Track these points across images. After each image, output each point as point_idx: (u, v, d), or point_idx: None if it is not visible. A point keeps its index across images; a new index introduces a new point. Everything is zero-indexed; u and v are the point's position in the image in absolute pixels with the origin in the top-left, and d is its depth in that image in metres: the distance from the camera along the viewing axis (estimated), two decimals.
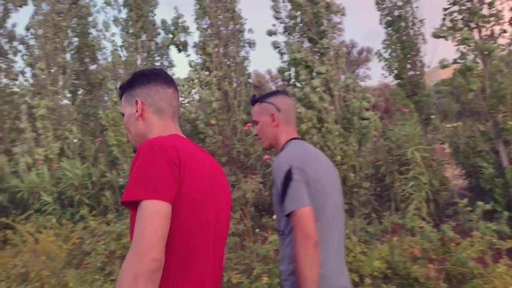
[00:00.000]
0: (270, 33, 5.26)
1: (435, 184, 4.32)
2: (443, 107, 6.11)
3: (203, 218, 1.10)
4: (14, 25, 7.95)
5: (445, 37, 4.61)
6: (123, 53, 6.90)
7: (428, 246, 3.09)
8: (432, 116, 5.54)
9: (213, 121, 5.42)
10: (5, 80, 7.30)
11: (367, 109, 4.52)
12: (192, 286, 1.07)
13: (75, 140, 6.63)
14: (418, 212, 3.73)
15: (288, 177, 1.46)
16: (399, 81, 6.17)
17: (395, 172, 4.53)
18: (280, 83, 14.53)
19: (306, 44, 5.34)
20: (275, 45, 5.47)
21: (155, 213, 0.96)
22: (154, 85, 1.26)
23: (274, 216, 3.95)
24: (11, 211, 5.51)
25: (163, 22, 7.31)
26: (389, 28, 6.20)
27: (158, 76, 1.29)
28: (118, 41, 6.85)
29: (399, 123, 4.97)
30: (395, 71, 6.18)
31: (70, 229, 4.61)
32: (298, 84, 5.18)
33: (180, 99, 5.85)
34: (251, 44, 6.79)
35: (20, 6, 8.06)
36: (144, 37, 7.20)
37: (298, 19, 5.25)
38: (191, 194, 1.06)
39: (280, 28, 5.44)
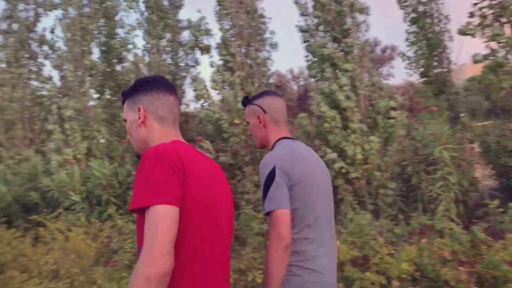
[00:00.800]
0: (302, 30, 5.24)
1: (464, 184, 4.21)
2: (472, 105, 5.93)
3: (206, 219, 1.14)
4: (44, 29, 8.19)
5: (472, 34, 4.48)
6: (146, 55, 7.05)
7: (458, 248, 3.01)
8: (461, 115, 5.39)
9: (237, 121, 5.45)
10: (35, 83, 7.56)
11: (394, 109, 4.44)
12: (202, 285, 1.12)
13: (103, 141, 6.80)
14: (447, 213, 3.64)
15: (270, 177, 1.50)
16: (425, 79, 6.04)
17: (422, 172, 4.43)
18: (302, 82, 14.43)
19: (330, 44, 5.30)
20: (305, 39, 5.43)
21: (164, 217, 1.01)
22: (156, 93, 1.31)
23: None
24: (42, 209, 5.70)
25: (189, 23, 7.43)
26: (414, 25, 6.07)
27: (160, 84, 1.33)
28: (141, 43, 6.97)
29: (425, 122, 4.86)
30: (421, 69, 6.05)
31: (99, 228, 4.73)
32: (323, 83, 5.14)
33: (202, 100, 5.93)
34: (273, 45, 6.80)
35: (50, 11, 8.32)
36: (167, 38, 7.33)
37: (320, 19, 5.22)
38: (194, 196, 1.10)
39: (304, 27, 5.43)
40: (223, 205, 1.24)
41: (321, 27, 5.27)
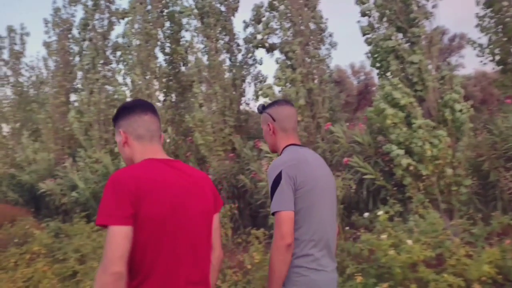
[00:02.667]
0: (365, 31, 5.07)
1: None
2: None
3: (163, 233, 1.30)
4: (117, 36, 8.77)
5: None
6: (205, 58, 7.29)
7: None
8: None
9: (299, 118, 5.45)
10: (110, 87, 8.14)
11: (458, 101, 4.15)
12: (168, 282, 1.30)
13: (168, 140, 7.16)
14: None
15: (277, 181, 1.63)
16: (502, 67, 5.56)
17: (501, 169, 4.10)
18: (363, 77, 14.00)
19: (394, 35, 5.08)
20: (365, 31, 5.25)
21: (113, 236, 1.21)
22: (133, 116, 1.49)
23: (365, 214, 3.86)
24: None
25: (246, 23, 7.56)
26: (489, 9, 5.61)
27: (136, 107, 1.52)
28: (200, 46, 7.22)
29: (503, 114, 4.49)
30: (497, 57, 5.58)
31: None
32: (388, 75, 4.95)
33: (266, 98, 5.99)
34: (333, 44, 6.70)
35: (123, 18, 8.90)
36: (225, 40, 7.53)
37: (384, 8, 5.01)
38: (148, 214, 1.27)
39: (365, 21, 5.25)
40: (196, 217, 1.40)
41: (384, 18, 5.07)
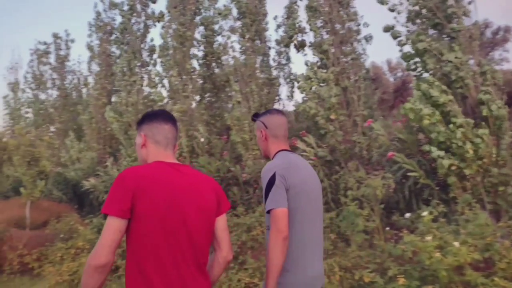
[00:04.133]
0: (387, 29, 4.95)
1: None
2: None
3: (163, 224, 1.48)
4: (152, 40, 9.05)
5: None
6: (242, 57, 7.34)
7: None
8: None
9: (333, 116, 5.37)
10: (147, 89, 8.38)
11: (492, 99, 3.94)
12: (159, 270, 1.47)
13: (202, 139, 7.27)
14: None
15: (271, 182, 1.78)
16: None
17: None
18: (400, 73, 13.61)
19: (431, 32, 4.90)
20: (394, 36, 5.14)
21: (108, 226, 1.43)
22: (155, 123, 1.71)
23: (407, 215, 3.75)
24: None
25: (278, 23, 7.56)
26: None
27: (159, 116, 1.74)
28: (237, 46, 7.30)
29: None
30: None
31: None
32: (425, 74, 4.79)
33: (302, 95, 5.96)
34: (368, 38, 6.55)
35: (158, 21, 9.15)
36: (259, 40, 7.55)
37: (420, 5, 4.84)
38: (144, 208, 1.46)
39: (400, 18, 5.10)
40: (194, 211, 1.57)
41: (421, 15, 4.90)
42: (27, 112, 12.74)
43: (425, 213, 3.37)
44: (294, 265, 1.77)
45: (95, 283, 1.41)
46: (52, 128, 11.51)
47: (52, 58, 11.98)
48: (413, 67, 4.92)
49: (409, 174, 4.09)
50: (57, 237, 6.41)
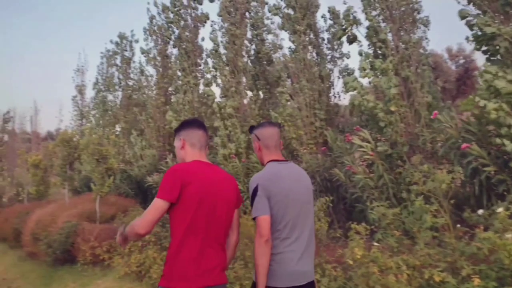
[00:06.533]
0: (463, 15, 4.61)
1: None
2: None
3: (199, 208, 1.90)
4: (203, 39, 9.32)
5: None
6: (292, 53, 7.29)
7: None
8: None
9: (393, 108, 5.15)
10: (201, 87, 8.64)
11: None
12: (196, 237, 1.90)
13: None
14: None
15: (254, 192, 2.05)
16: None
17: None
18: (462, 60, 12.73)
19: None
20: (463, 15, 4.79)
21: (153, 205, 1.86)
22: (191, 129, 2.14)
23: (480, 211, 3.50)
24: None
25: (333, 12, 7.37)
26: None
27: (194, 123, 2.18)
28: (287, 44, 7.26)
29: None
30: None
31: None
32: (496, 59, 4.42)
33: (355, 91, 5.78)
34: (426, 23, 6.18)
35: (205, 22, 9.41)
36: (311, 34, 7.43)
37: None
38: (189, 195, 1.88)
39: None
40: (220, 200, 1.98)
41: None
42: (94, 113, 13.62)
43: (500, 209, 3.12)
44: (280, 261, 2.02)
45: (132, 239, 2.08)
46: (117, 128, 12.19)
47: (118, 60, 12.58)
48: (484, 48, 4.55)
49: (484, 168, 3.81)
50: None
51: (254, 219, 2.04)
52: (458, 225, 3.53)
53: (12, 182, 19.84)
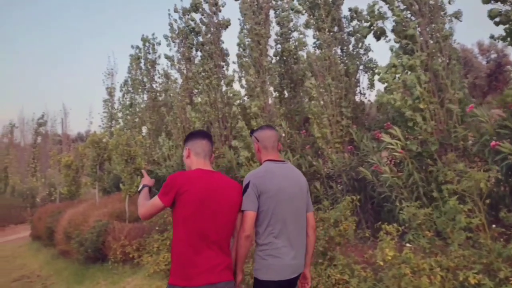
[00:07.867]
0: (494, 14, 4.45)
1: None
2: None
3: (198, 213, 2.06)
4: (223, 42, 9.40)
5: None
6: (317, 50, 7.21)
7: None
8: None
9: (422, 106, 5.01)
10: (224, 87, 8.68)
11: None
12: (194, 240, 2.06)
13: (283, 134, 7.29)
14: None
15: (245, 188, 2.24)
16: None
17: None
18: (494, 55, 12.28)
19: None
20: (494, 14, 4.62)
21: (152, 202, 2.13)
22: (196, 139, 2.34)
23: None
24: None
25: (356, 11, 7.26)
26: None
27: (199, 134, 2.39)
28: (311, 41, 7.20)
29: None
30: None
31: None
32: None
33: (382, 86, 5.66)
34: (457, 15, 5.98)
35: (227, 27, 9.48)
36: (336, 31, 7.33)
37: None
38: (186, 201, 2.06)
39: None
40: (223, 206, 2.14)
41: None
42: (122, 115, 13.95)
43: None
44: (272, 255, 2.19)
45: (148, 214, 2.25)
46: (144, 129, 12.43)
47: (142, 62, 12.79)
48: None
49: None
50: (153, 229, 6.93)
51: (242, 212, 2.22)
52: (494, 226, 3.41)
53: (44, 182, 20.61)
